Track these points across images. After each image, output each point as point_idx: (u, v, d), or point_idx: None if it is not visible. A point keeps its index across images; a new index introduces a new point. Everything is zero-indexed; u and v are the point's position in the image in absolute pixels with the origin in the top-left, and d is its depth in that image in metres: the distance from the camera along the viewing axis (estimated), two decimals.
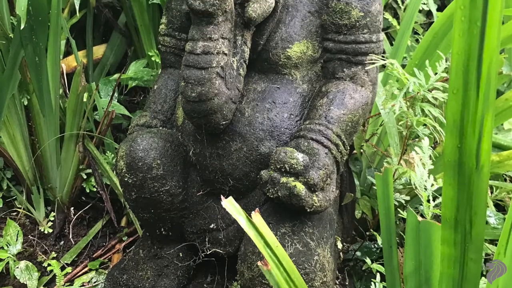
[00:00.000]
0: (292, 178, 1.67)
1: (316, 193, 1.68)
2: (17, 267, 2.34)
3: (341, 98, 1.87)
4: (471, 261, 1.30)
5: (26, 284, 2.32)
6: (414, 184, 1.77)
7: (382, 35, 1.97)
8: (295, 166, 1.67)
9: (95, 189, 2.73)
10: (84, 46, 3.16)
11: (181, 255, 2.10)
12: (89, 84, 2.69)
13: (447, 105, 1.18)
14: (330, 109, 1.85)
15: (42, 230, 2.66)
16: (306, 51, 1.90)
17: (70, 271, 2.45)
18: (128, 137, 1.97)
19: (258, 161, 1.86)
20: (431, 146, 2.10)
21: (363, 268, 2.24)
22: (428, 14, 3.81)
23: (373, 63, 1.90)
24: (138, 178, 1.90)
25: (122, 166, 1.91)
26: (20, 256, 2.52)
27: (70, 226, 2.72)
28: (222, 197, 1.34)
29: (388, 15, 3.13)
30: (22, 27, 2.11)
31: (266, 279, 1.55)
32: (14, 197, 2.79)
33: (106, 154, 2.71)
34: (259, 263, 1.33)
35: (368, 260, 2.15)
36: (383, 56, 1.93)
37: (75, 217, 2.74)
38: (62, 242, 2.69)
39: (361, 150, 2.32)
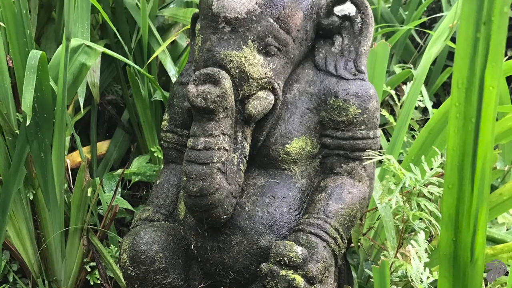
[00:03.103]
0: (291, 271, 1.68)
1: (315, 285, 1.69)
2: None
3: (339, 193, 1.89)
4: None
5: None
6: (410, 277, 1.79)
7: (379, 131, 2.00)
8: (294, 259, 1.68)
9: (99, 282, 2.73)
10: (88, 142, 3.22)
11: None
12: (93, 179, 2.73)
13: (442, 200, 1.21)
14: (329, 203, 1.87)
15: None
16: (305, 147, 1.93)
17: None
18: (131, 231, 1.99)
19: (258, 254, 1.87)
20: (427, 240, 2.12)
21: None
22: (424, 110, 3.88)
23: (370, 159, 1.92)
24: (141, 271, 1.90)
25: (126, 259, 1.92)
26: None
27: None
28: None
29: (385, 112, 3.17)
30: (27, 123, 2.13)
31: None
32: None
33: (110, 247, 2.72)
34: None
35: None
36: (380, 152, 1.95)
37: None
38: None
39: (359, 244, 2.34)
